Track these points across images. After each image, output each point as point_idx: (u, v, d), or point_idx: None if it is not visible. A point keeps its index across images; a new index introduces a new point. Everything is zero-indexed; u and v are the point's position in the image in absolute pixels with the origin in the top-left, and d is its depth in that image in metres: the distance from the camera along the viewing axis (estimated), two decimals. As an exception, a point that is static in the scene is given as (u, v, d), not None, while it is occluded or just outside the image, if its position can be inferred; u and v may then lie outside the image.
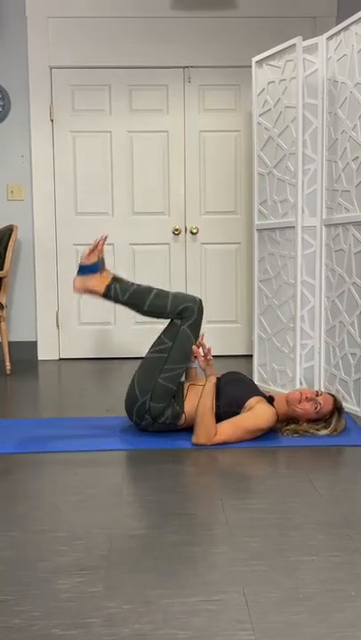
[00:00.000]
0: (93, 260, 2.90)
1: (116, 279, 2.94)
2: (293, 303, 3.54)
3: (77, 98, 4.83)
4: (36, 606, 1.54)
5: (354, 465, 2.53)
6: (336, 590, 1.61)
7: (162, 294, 2.88)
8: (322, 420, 2.82)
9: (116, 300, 2.88)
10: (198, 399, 2.78)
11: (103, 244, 2.91)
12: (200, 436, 2.72)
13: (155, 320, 3.05)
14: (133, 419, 2.90)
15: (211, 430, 2.71)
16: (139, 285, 2.92)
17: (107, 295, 2.88)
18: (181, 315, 2.85)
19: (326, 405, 2.82)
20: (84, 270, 2.91)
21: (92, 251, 2.90)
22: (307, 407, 2.80)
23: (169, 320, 2.90)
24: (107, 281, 2.89)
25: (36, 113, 4.78)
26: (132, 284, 2.93)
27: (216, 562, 1.75)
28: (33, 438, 2.90)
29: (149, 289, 2.89)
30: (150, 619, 1.49)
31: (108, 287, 2.88)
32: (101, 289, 2.88)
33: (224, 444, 2.73)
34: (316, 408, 2.79)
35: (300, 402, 2.80)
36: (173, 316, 2.86)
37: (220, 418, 2.81)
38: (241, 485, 2.33)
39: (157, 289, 2.91)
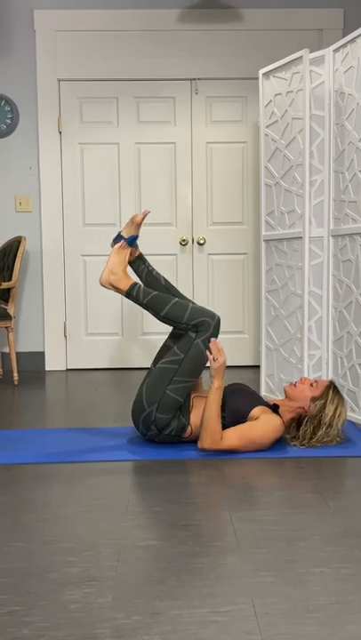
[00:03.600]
0: (132, 233, 3.06)
1: (141, 258, 3.12)
2: (301, 314, 3.54)
3: (85, 110, 4.86)
4: (45, 617, 1.54)
5: (362, 476, 2.52)
6: (346, 602, 1.60)
7: (182, 305, 2.90)
8: (320, 398, 2.80)
9: (137, 301, 2.96)
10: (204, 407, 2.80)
11: (143, 219, 3.07)
12: (205, 439, 2.71)
13: (161, 331, 3.07)
14: (140, 429, 2.90)
15: (216, 435, 2.71)
16: (161, 288, 3.06)
17: (129, 294, 2.96)
18: (197, 328, 2.85)
19: (322, 383, 2.86)
20: (119, 240, 3.04)
21: (136, 225, 3.07)
22: (302, 387, 2.85)
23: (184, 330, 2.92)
24: (131, 281, 2.97)
25: (45, 125, 4.82)
26: (155, 275, 3.10)
27: (225, 573, 1.75)
28: (40, 449, 2.90)
29: (170, 297, 2.94)
30: (159, 630, 1.49)
31: (132, 287, 2.96)
32: (125, 287, 2.96)
33: (230, 451, 2.73)
34: (311, 385, 2.84)
35: (295, 386, 2.86)
36: (188, 328, 2.87)
37: (225, 428, 2.81)
38: (249, 497, 2.33)
39: (178, 298, 2.94)
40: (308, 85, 3.44)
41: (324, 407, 2.79)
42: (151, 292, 2.95)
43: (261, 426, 2.76)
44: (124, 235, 3.06)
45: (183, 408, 2.87)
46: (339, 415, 2.80)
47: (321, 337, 3.59)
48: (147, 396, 2.84)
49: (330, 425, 2.79)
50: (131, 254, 3.08)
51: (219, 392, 2.76)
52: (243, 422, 2.80)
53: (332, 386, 2.85)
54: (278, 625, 1.50)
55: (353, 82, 3.29)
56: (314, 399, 2.81)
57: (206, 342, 2.84)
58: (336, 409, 2.80)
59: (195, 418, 2.85)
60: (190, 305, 2.90)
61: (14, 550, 1.90)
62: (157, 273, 3.13)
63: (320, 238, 3.55)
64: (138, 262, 3.12)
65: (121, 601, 1.61)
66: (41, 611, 1.57)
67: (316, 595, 1.63)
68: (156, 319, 3.00)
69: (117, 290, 2.98)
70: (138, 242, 3.12)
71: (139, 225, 3.07)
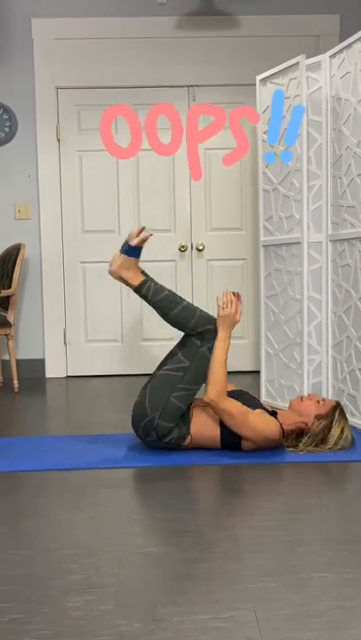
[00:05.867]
0: (138, 245, 2.95)
1: (143, 272, 3.00)
2: (300, 319, 3.54)
3: (83, 117, 4.88)
4: (46, 625, 1.54)
5: (363, 480, 2.52)
6: (347, 606, 1.60)
7: (190, 309, 2.90)
8: (325, 418, 2.80)
9: (145, 298, 2.93)
10: (204, 420, 2.84)
11: (139, 233, 2.95)
12: (211, 390, 2.74)
13: (161, 337, 3.07)
14: (139, 433, 2.90)
15: (221, 387, 2.74)
16: (172, 293, 2.96)
17: (139, 290, 2.93)
18: (203, 335, 2.85)
19: (328, 403, 2.85)
20: (129, 251, 2.93)
21: (142, 240, 2.93)
22: (309, 403, 2.84)
23: (185, 335, 2.92)
24: (142, 277, 2.93)
25: (43, 133, 4.84)
26: (165, 288, 2.98)
27: (226, 579, 1.75)
28: (41, 456, 2.90)
29: (180, 300, 2.93)
30: (161, 636, 1.48)
31: (143, 283, 2.92)
32: (136, 282, 2.92)
33: (227, 418, 2.73)
34: (318, 402, 2.84)
35: (302, 400, 2.86)
36: (194, 333, 2.87)
37: (223, 435, 2.82)
38: (249, 502, 2.33)
39: (187, 302, 2.93)
40: (305, 91, 3.46)
41: (329, 428, 2.80)
42: (162, 292, 2.92)
43: (262, 418, 2.77)
44: (132, 244, 2.95)
45: (184, 418, 2.86)
46: (345, 438, 2.82)
47: (320, 342, 3.59)
48: (150, 402, 2.83)
49: (335, 444, 2.80)
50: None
51: (221, 343, 2.81)
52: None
53: (338, 407, 2.85)
54: (280, 630, 1.50)
55: (350, 87, 3.30)
56: (318, 417, 2.81)
57: (212, 350, 2.84)
58: (342, 431, 2.81)
59: (195, 428, 2.84)
60: (199, 311, 2.91)
61: (16, 557, 1.90)
62: (161, 285, 3.04)
63: (319, 243, 3.56)
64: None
65: (122, 608, 1.61)
66: (43, 618, 1.57)
67: (318, 599, 1.63)
68: (163, 320, 2.96)
69: (127, 284, 2.93)
70: (142, 253, 3.02)
71: (136, 237, 2.96)
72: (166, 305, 2.89)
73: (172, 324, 2.92)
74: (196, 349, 2.85)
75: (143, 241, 2.94)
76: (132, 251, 2.94)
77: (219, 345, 2.82)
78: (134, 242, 2.92)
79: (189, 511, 2.24)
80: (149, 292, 2.91)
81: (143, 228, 2.98)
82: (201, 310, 2.92)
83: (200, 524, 2.13)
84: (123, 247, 2.95)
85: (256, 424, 2.75)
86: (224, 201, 4.95)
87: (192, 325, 2.86)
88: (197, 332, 2.86)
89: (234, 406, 2.74)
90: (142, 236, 2.93)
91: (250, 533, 2.04)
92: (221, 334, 2.84)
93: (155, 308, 2.93)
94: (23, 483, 2.57)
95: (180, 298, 2.96)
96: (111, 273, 2.96)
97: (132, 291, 2.99)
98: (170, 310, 2.89)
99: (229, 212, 4.96)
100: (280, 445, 2.84)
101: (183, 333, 2.96)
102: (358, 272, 3.27)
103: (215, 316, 2.91)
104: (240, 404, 2.77)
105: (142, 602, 1.63)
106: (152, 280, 2.97)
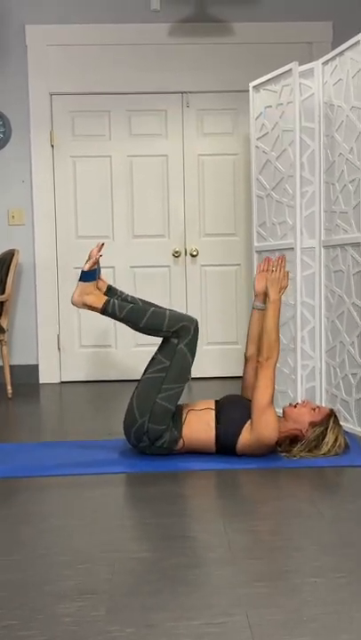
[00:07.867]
0: (93, 267, 3.01)
1: (110, 289, 3.07)
2: (293, 324, 3.55)
3: (77, 123, 4.89)
4: (40, 631, 1.54)
5: (356, 486, 2.52)
6: (341, 611, 1.60)
7: (159, 313, 2.92)
8: (319, 425, 2.80)
9: (114, 317, 2.95)
10: (198, 423, 2.84)
11: (98, 251, 3.00)
12: (263, 353, 2.84)
13: (155, 342, 3.07)
14: (131, 440, 2.90)
15: (271, 351, 2.84)
16: (136, 302, 3.02)
17: (105, 311, 2.95)
18: (178, 333, 2.87)
19: (323, 411, 2.85)
20: (84, 277, 2.99)
21: (92, 263, 2.99)
22: (303, 410, 2.83)
23: (162, 339, 2.93)
24: (104, 297, 2.96)
25: (37, 139, 4.84)
26: (130, 300, 3.04)
27: (219, 584, 1.75)
28: (35, 462, 2.89)
29: (146, 307, 2.95)
30: (154, 642, 1.48)
31: (107, 303, 2.94)
32: (99, 305, 2.94)
33: (264, 388, 2.79)
34: (313, 409, 2.83)
35: (296, 407, 2.85)
36: (169, 335, 2.89)
37: (219, 437, 2.82)
38: (243, 507, 2.33)
39: (155, 307, 2.95)
40: (298, 98, 3.48)
41: (324, 435, 2.79)
42: (127, 305, 2.94)
43: (275, 416, 2.80)
44: (86, 269, 3.00)
45: (176, 421, 2.87)
46: (339, 445, 2.81)
47: (314, 347, 3.60)
48: (138, 408, 2.84)
49: (328, 451, 2.79)
50: (98, 287, 3.04)
51: (272, 305, 2.91)
52: (237, 432, 2.80)
53: (332, 415, 2.85)
54: (273, 636, 1.50)
55: (342, 94, 3.32)
56: (313, 424, 2.80)
57: (189, 345, 2.87)
58: (336, 439, 2.81)
59: (187, 431, 2.85)
60: (168, 312, 2.93)
61: (9, 563, 1.89)
62: (133, 297, 3.08)
63: (312, 249, 3.57)
64: (109, 295, 3.05)
65: (115, 614, 1.60)
66: (36, 625, 1.56)
67: (311, 605, 1.63)
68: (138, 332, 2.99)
69: (92, 308, 2.96)
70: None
71: (96, 258, 3.01)
72: (134, 316, 2.91)
73: (145, 333, 2.94)
74: (174, 347, 2.87)
75: (94, 263, 2.99)
76: (88, 275, 2.99)
77: (270, 307, 2.92)
78: (86, 267, 2.98)
79: (183, 516, 2.24)
80: (115, 309, 2.92)
81: (102, 245, 3.04)
82: (170, 310, 2.95)
83: (194, 529, 2.13)
84: (80, 276, 3.01)
85: (273, 421, 2.76)
86: (218, 207, 4.97)
87: (165, 328, 2.88)
88: (172, 331, 2.87)
89: (271, 384, 2.81)
90: (92, 259, 2.98)
91: (243, 538, 2.04)
92: (272, 296, 2.94)
93: (124, 322, 2.95)
94: (17, 489, 2.56)
95: (146, 304, 3.00)
96: (74, 303, 3.00)
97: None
98: (139, 320, 2.90)
99: (223, 217, 4.97)
100: (273, 451, 2.85)
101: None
102: (351, 278, 3.29)
103: (187, 314, 2.97)
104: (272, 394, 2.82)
105: (135, 607, 1.63)
106: (115, 295, 3.04)
